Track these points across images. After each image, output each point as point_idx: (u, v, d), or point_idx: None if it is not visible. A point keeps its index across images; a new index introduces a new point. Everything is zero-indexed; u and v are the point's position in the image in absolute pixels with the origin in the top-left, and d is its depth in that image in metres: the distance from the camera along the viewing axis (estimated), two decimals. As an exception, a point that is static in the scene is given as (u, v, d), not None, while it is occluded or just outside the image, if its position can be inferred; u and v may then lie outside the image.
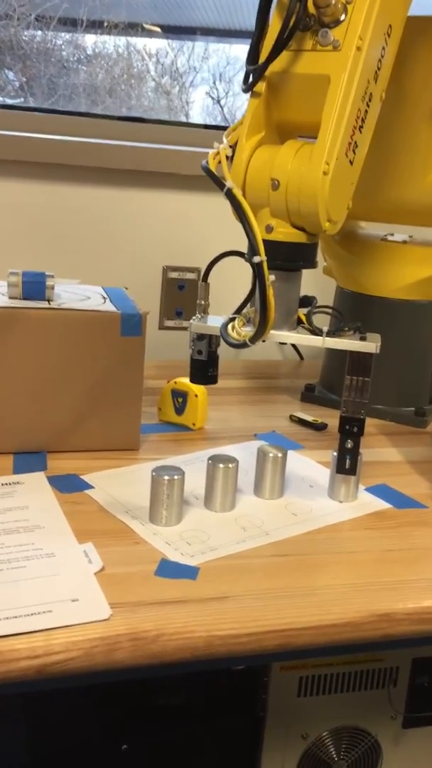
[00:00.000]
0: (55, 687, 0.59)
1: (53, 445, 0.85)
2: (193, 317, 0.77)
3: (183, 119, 1.82)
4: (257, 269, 0.68)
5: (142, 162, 1.27)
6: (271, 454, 0.79)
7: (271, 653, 0.59)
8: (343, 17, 0.72)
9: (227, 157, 0.73)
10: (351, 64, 0.71)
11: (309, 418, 1.02)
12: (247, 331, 0.72)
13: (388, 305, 1.04)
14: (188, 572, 0.64)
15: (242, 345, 0.71)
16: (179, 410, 0.96)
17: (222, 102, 1.90)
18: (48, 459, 0.83)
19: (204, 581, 0.63)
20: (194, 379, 0.79)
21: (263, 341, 0.73)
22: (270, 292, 0.69)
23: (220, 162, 0.72)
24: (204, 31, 1.82)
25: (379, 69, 0.76)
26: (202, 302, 0.78)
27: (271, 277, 0.68)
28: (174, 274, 1.31)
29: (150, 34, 1.71)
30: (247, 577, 0.64)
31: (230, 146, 0.74)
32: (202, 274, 0.81)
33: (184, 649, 0.57)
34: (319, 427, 1.01)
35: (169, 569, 0.64)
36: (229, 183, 0.69)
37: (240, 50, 1.81)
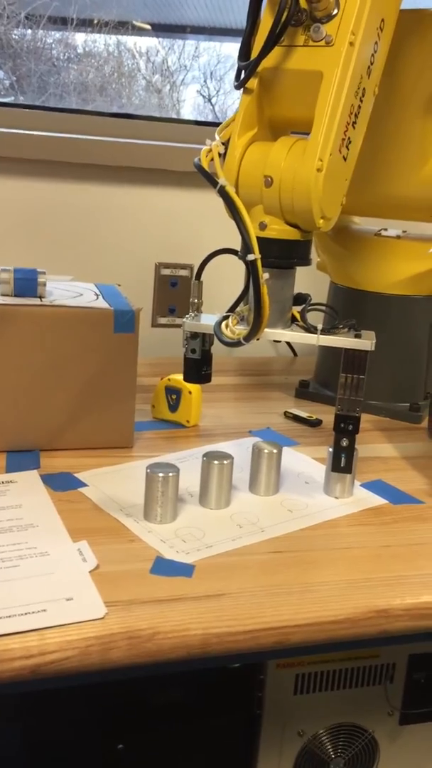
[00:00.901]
0: (51, 687, 0.58)
1: (46, 443, 0.84)
2: (186, 316, 0.76)
3: (175, 115, 1.82)
4: (251, 267, 0.67)
5: (134, 159, 1.27)
6: (266, 451, 0.78)
7: (268, 650, 0.59)
8: (335, 12, 0.71)
9: (219, 155, 0.73)
10: (344, 59, 0.70)
11: (304, 414, 1.02)
12: (241, 329, 0.71)
13: (382, 300, 1.04)
14: (183, 570, 0.63)
15: (236, 343, 0.71)
16: (173, 407, 0.96)
17: (213, 100, 1.90)
18: (41, 457, 0.82)
19: (199, 579, 0.63)
20: (188, 378, 0.79)
21: (257, 339, 0.72)
22: (264, 290, 0.68)
23: (212, 159, 0.71)
24: (194, 30, 1.82)
25: (372, 64, 0.75)
26: (196, 300, 0.78)
27: (265, 275, 0.68)
28: (166, 271, 1.31)
29: (140, 32, 1.70)
30: (243, 574, 0.64)
31: (222, 143, 0.74)
32: (194, 271, 0.80)
33: (180, 647, 0.56)
34: (314, 423, 1.00)
35: (164, 567, 0.64)
36: (221, 180, 0.69)
37: (231, 48, 1.81)
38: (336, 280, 1.10)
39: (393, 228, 1.10)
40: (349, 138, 0.74)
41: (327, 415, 0.95)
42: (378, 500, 0.80)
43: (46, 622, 0.55)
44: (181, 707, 0.80)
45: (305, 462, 0.88)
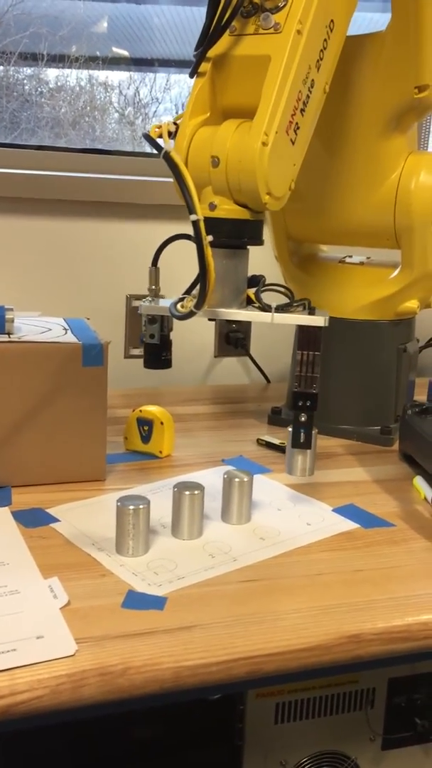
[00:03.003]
0: (25, 726, 0.58)
1: (17, 479, 0.84)
2: (143, 300, 0.78)
3: (148, 149, 1.84)
4: (194, 228, 0.68)
5: (103, 193, 1.28)
6: (237, 479, 0.79)
7: (242, 681, 0.59)
8: (283, 3, 0.75)
9: (169, 133, 0.75)
10: (291, 45, 0.75)
11: (276, 440, 1.02)
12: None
13: (348, 326, 1.06)
14: (155, 603, 0.63)
15: (188, 314, 0.71)
16: (145, 438, 0.96)
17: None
18: (12, 493, 0.82)
19: (171, 611, 0.62)
20: (148, 364, 0.79)
21: (213, 320, 0.73)
22: (208, 251, 0.68)
23: (160, 136, 0.73)
24: (162, 63, 1.84)
25: (321, 59, 0.79)
26: (153, 287, 0.80)
27: (209, 237, 0.68)
28: (137, 303, 1.31)
29: (111, 66, 1.73)
30: (216, 604, 0.64)
31: (174, 123, 0.77)
32: (152, 258, 0.83)
33: (152, 681, 0.56)
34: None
35: (136, 600, 0.64)
36: (166, 146, 0.70)
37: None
38: (304, 306, 1.11)
39: (358, 255, 1.11)
40: (297, 123, 0.77)
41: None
42: (350, 525, 0.80)
43: (16, 661, 0.54)
44: (160, 741, 0.79)
45: (277, 489, 0.89)
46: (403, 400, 1.07)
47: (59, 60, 1.69)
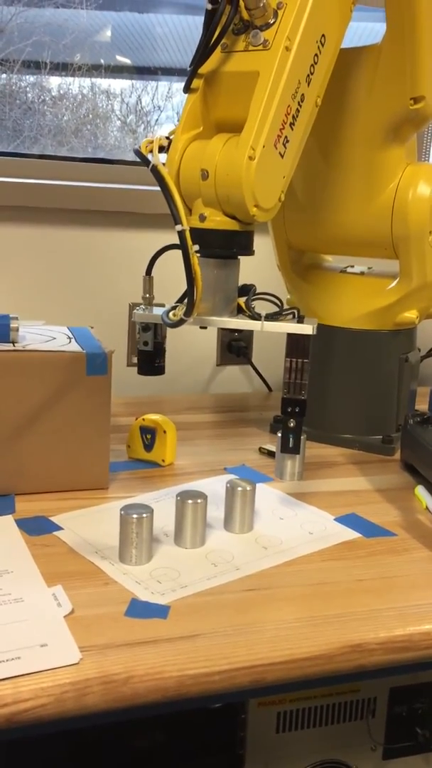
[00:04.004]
0: (28, 735, 0.58)
1: (21, 488, 0.84)
2: (137, 308, 0.79)
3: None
4: (180, 239, 0.70)
5: (106, 202, 1.29)
6: (239, 488, 0.79)
7: (245, 690, 0.59)
8: (273, 20, 0.77)
9: (162, 147, 0.77)
10: (279, 61, 0.76)
11: (278, 449, 1.03)
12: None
13: (349, 335, 1.06)
14: (159, 611, 0.64)
15: (178, 322, 0.74)
16: (148, 447, 0.96)
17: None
18: (16, 501, 0.83)
19: (175, 620, 0.63)
20: (142, 371, 0.81)
21: (204, 328, 0.74)
22: (194, 260, 0.71)
23: (151, 151, 0.74)
24: (164, 71, 1.85)
25: (312, 74, 0.80)
26: (147, 295, 0.81)
27: (195, 247, 0.71)
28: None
29: (114, 74, 1.74)
30: (218, 613, 0.64)
31: (166, 137, 0.79)
32: (145, 268, 0.84)
33: (155, 690, 0.56)
34: (289, 459, 1.01)
35: (139, 609, 0.64)
36: (153, 160, 0.72)
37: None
38: (305, 315, 1.12)
39: (360, 265, 1.12)
40: (286, 137, 0.78)
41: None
42: (352, 534, 0.80)
43: (21, 669, 0.55)
44: (162, 750, 0.79)
45: (280, 497, 0.89)
46: (405, 410, 1.08)
47: (62, 68, 1.70)
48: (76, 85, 1.77)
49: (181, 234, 0.70)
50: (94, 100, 1.82)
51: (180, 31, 1.68)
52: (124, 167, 1.38)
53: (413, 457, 0.97)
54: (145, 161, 0.73)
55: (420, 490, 0.91)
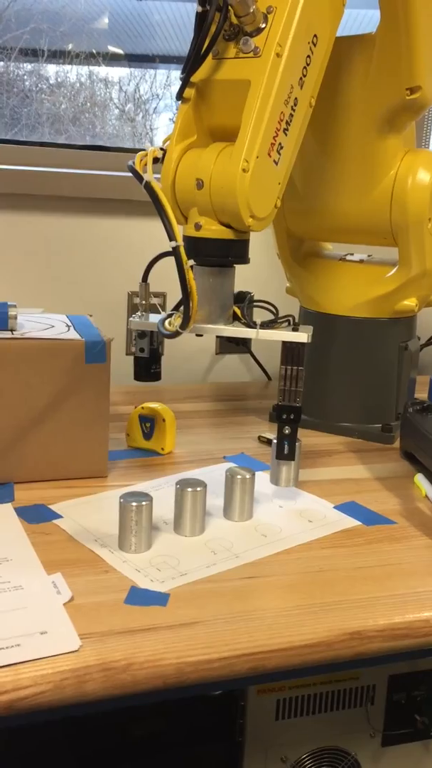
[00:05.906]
0: (28, 722, 0.58)
1: (20, 476, 0.84)
2: (134, 315, 0.79)
3: (148, 145, 1.84)
4: (174, 253, 0.70)
5: (104, 190, 1.28)
6: (238, 476, 0.79)
7: (244, 677, 0.59)
8: (263, 26, 0.75)
9: (157, 159, 0.76)
10: (270, 68, 0.75)
11: (277, 438, 1.02)
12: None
13: (348, 323, 1.06)
14: (158, 599, 0.64)
15: (174, 334, 0.74)
16: (147, 435, 0.96)
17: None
18: (15, 490, 0.82)
19: (174, 607, 0.63)
20: (138, 377, 0.81)
21: (200, 335, 0.74)
22: (190, 275, 0.71)
23: (146, 164, 0.74)
24: (162, 59, 1.84)
25: (305, 76, 0.79)
26: (143, 302, 0.81)
27: (190, 262, 0.71)
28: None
29: (112, 62, 1.72)
30: (218, 601, 0.64)
31: (161, 148, 0.78)
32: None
33: (155, 677, 0.56)
34: (288, 447, 1.01)
35: (138, 597, 0.64)
36: (146, 177, 0.72)
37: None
38: (304, 304, 1.11)
39: (360, 253, 1.12)
40: (280, 144, 0.77)
41: (301, 437, 0.96)
42: (351, 522, 0.80)
43: (20, 656, 0.55)
44: (162, 737, 0.80)
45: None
46: (404, 398, 1.08)
47: (59, 56, 1.69)
48: (74, 73, 1.76)
49: (175, 249, 0.70)
50: (92, 88, 1.81)
51: (178, 18, 1.67)
52: (123, 155, 1.37)
53: (413, 445, 0.97)
54: (138, 177, 0.73)
55: (419, 478, 0.91)
